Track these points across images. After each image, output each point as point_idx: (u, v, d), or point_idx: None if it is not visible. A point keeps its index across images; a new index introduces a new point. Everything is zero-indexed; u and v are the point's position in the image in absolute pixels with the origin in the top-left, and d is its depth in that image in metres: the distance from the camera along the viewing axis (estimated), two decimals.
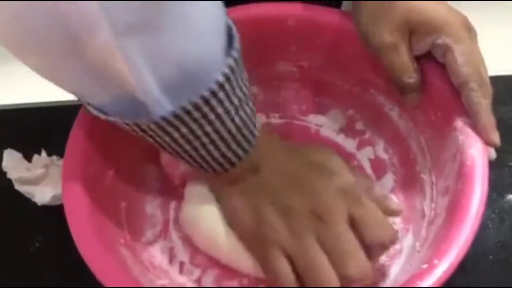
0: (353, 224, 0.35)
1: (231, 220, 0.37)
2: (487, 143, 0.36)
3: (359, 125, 0.47)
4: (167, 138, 0.32)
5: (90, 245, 0.32)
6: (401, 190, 0.43)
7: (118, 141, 0.40)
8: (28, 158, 0.45)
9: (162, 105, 0.30)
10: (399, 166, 0.44)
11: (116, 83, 0.29)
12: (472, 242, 0.32)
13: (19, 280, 0.41)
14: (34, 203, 0.44)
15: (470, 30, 0.37)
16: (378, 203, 0.36)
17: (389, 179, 0.44)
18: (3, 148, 0.45)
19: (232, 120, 0.33)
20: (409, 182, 0.43)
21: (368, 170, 0.45)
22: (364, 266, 0.34)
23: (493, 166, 0.44)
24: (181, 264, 0.40)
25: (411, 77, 0.38)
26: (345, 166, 0.37)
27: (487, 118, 0.36)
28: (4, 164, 0.44)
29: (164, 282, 0.38)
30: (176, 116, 0.31)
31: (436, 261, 0.31)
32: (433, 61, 0.39)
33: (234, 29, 0.34)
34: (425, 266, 0.31)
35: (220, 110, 0.32)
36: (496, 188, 0.44)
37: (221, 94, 0.31)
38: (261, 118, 0.48)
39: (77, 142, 0.37)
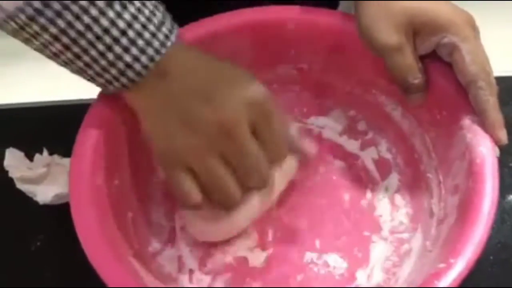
0: (256, 136, 0.35)
1: (150, 138, 0.36)
2: (496, 140, 0.36)
3: (361, 126, 0.47)
4: (48, 37, 0.31)
5: (103, 258, 0.32)
6: (407, 190, 0.43)
7: (121, 151, 0.39)
8: (30, 157, 0.44)
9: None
10: (403, 166, 0.44)
11: None
12: (487, 240, 0.32)
13: (21, 279, 0.41)
14: (36, 202, 0.44)
15: (474, 29, 0.38)
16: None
17: (394, 179, 0.44)
18: (5, 147, 0.44)
19: (118, 14, 0.31)
20: (414, 182, 0.43)
21: (373, 170, 0.45)
22: (265, 178, 0.36)
23: None
24: (190, 272, 0.40)
25: (416, 77, 0.39)
26: (258, 83, 0.36)
27: (495, 116, 0.36)
28: (6, 163, 0.44)
29: None
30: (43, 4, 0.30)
31: (452, 260, 0.31)
32: (436, 60, 0.39)
33: None
34: (442, 265, 0.31)
35: None
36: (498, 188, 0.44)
37: None
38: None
39: (82, 154, 0.36)
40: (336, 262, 0.40)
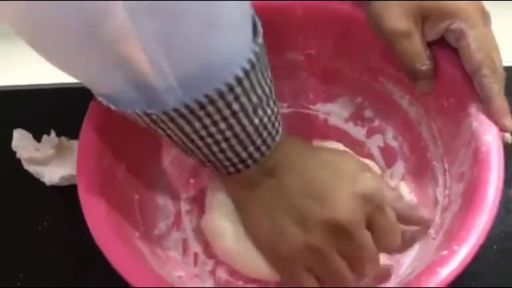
0: (370, 227, 0.35)
1: (249, 230, 0.37)
2: (501, 128, 0.36)
3: (368, 113, 0.47)
4: (178, 132, 0.31)
5: (109, 240, 0.32)
6: (412, 178, 0.43)
7: (128, 134, 0.40)
8: (38, 138, 0.45)
9: (175, 95, 0.29)
10: (409, 154, 0.44)
11: (130, 67, 0.28)
12: (490, 228, 0.32)
13: (27, 259, 0.42)
14: (43, 183, 0.44)
15: (484, 15, 0.37)
16: (405, 215, 0.36)
17: (399, 166, 0.44)
18: (13, 127, 0.45)
19: (250, 119, 0.32)
20: (420, 169, 0.43)
21: (378, 158, 0.45)
22: (378, 267, 0.35)
23: None
24: (195, 255, 0.40)
25: (424, 64, 0.38)
26: (365, 169, 0.36)
27: (500, 103, 0.36)
28: (14, 143, 0.44)
29: (181, 273, 0.38)
30: (189, 108, 0.29)
31: (456, 248, 0.31)
32: (445, 46, 0.39)
33: (259, 24, 0.33)
34: (445, 252, 0.31)
35: (236, 106, 0.30)
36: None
37: (238, 90, 0.30)
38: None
39: (89, 137, 0.36)
40: None
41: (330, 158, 0.36)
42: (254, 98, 0.31)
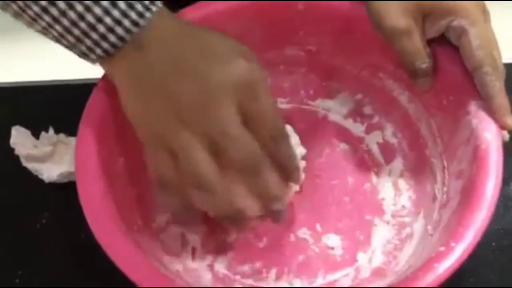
0: (245, 119, 0.32)
1: (126, 116, 0.34)
2: (501, 126, 0.36)
3: (367, 110, 0.47)
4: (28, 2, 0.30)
5: (108, 234, 0.32)
6: (411, 174, 0.43)
7: (127, 126, 0.39)
8: (36, 135, 0.45)
9: None
10: (408, 150, 0.44)
11: None
12: (488, 225, 0.32)
13: (26, 256, 0.41)
14: (42, 180, 0.44)
15: (485, 12, 0.37)
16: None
17: (398, 163, 0.44)
18: (11, 124, 0.45)
19: None
20: (419, 166, 0.43)
21: (377, 154, 0.45)
22: (248, 147, 0.32)
23: None
24: (193, 249, 0.40)
25: (423, 62, 0.38)
26: (245, 57, 0.33)
27: (501, 100, 0.36)
28: (12, 140, 0.44)
29: (179, 267, 0.38)
30: None
31: (453, 244, 0.31)
32: (444, 44, 0.39)
33: None
34: (442, 248, 0.31)
35: None
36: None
37: None
38: None
39: (88, 129, 0.36)
40: (337, 244, 0.41)
41: (206, 40, 0.33)
42: None
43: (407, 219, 0.41)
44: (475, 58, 0.37)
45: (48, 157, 0.44)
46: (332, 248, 0.40)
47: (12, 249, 0.42)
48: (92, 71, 0.40)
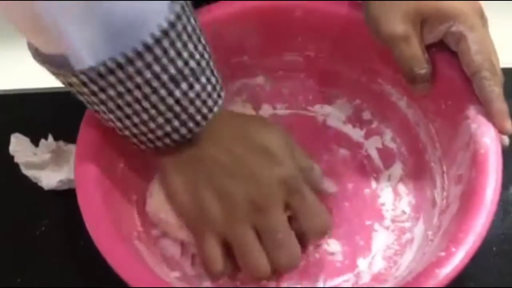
0: (291, 213, 0.35)
1: (170, 201, 0.36)
2: (500, 130, 0.36)
3: (366, 115, 0.47)
4: (95, 99, 0.31)
5: (108, 241, 0.32)
6: (410, 179, 0.43)
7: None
8: (35, 142, 0.45)
9: (82, 58, 0.29)
10: (407, 155, 0.44)
11: (43, 34, 0.29)
12: (488, 230, 0.32)
13: (25, 263, 0.41)
14: (41, 188, 0.44)
15: (482, 17, 0.38)
16: (315, 187, 0.37)
17: (397, 168, 0.44)
18: (10, 132, 0.45)
19: (170, 93, 0.31)
20: (418, 171, 0.43)
21: (377, 159, 0.45)
22: (294, 256, 0.36)
23: None
24: (193, 256, 0.40)
25: (422, 68, 0.38)
26: (290, 152, 0.36)
27: (500, 105, 0.36)
28: (11, 148, 0.44)
29: (178, 274, 0.38)
30: (97, 72, 0.29)
31: (453, 249, 0.31)
32: (443, 49, 0.39)
33: None
34: (442, 254, 0.31)
35: (148, 75, 0.30)
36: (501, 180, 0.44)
37: (148, 57, 0.30)
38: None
39: (88, 136, 0.36)
40: (337, 250, 0.40)
41: (259, 137, 0.36)
42: (172, 70, 0.31)
43: (407, 224, 0.41)
44: (473, 63, 0.37)
45: (47, 164, 0.44)
46: (332, 254, 0.40)
47: (11, 256, 0.42)
48: None
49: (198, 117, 0.33)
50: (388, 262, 0.39)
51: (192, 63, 0.32)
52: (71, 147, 0.44)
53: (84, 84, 0.30)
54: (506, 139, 0.38)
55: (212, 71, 0.34)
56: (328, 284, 0.39)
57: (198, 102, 0.33)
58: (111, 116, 0.33)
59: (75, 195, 0.34)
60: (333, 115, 0.48)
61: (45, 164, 0.44)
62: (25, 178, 0.44)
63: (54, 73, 0.32)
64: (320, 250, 0.40)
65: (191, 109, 0.33)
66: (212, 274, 0.36)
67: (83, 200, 0.33)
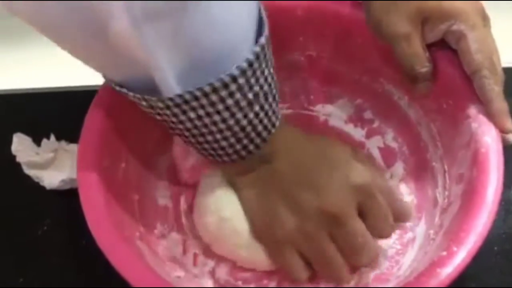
0: (363, 215, 0.36)
1: (246, 215, 0.38)
2: (501, 129, 0.36)
3: (368, 115, 0.47)
4: (174, 119, 0.33)
5: (111, 241, 0.32)
6: (412, 178, 0.43)
7: (129, 133, 0.40)
8: (37, 142, 0.45)
9: (172, 87, 0.31)
10: (409, 155, 0.44)
11: (134, 63, 0.30)
12: (489, 230, 0.32)
13: (27, 263, 0.42)
14: (43, 187, 0.44)
15: (484, 16, 0.38)
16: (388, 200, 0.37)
17: (399, 167, 0.44)
18: (12, 132, 0.45)
19: (245, 115, 0.33)
20: (419, 170, 0.43)
21: (378, 159, 0.45)
22: (374, 252, 0.36)
23: None
24: (195, 255, 0.40)
25: (423, 66, 0.38)
26: (359, 161, 0.37)
27: (500, 104, 0.36)
28: (13, 147, 0.44)
29: (180, 274, 0.38)
30: (183, 99, 0.31)
31: (455, 248, 0.31)
32: (444, 48, 0.39)
33: (265, 21, 0.34)
34: (444, 253, 0.31)
35: (230, 101, 0.32)
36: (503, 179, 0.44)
37: (233, 87, 0.31)
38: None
39: (90, 136, 0.36)
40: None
41: (324, 148, 0.37)
42: (250, 95, 0.32)
43: (409, 224, 0.41)
44: (473, 62, 0.37)
45: (50, 164, 0.44)
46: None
47: (13, 255, 0.42)
48: (93, 78, 0.40)
49: (265, 133, 0.35)
50: (390, 261, 0.39)
51: (266, 87, 0.34)
52: (73, 147, 0.45)
53: (168, 107, 0.32)
54: (510, 137, 0.38)
55: (274, 96, 0.35)
56: (330, 284, 0.39)
57: (265, 120, 0.34)
58: (186, 133, 0.34)
59: (77, 194, 0.34)
60: (335, 114, 0.48)
61: (47, 164, 0.44)
62: (27, 177, 0.44)
63: (135, 97, 0.33)
64: None
65: (259, 127, 0.34)
66: (298, 280, 0.37)
67: (86, 199, 0.34)
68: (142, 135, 0.41)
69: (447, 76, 0.39)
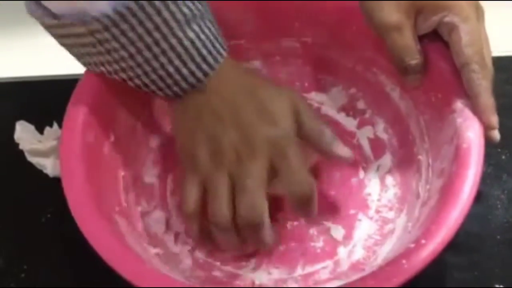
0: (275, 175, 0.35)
1: (175, 136, 0.38)
2: (485, 125, 0.36)
3: (360, 104, 0.47)
4: (116, 45, 0.34)
5: (84, 211, 0.33)
6: (398, 171, 0.43)
7: (118, 110, 0.40)
8: (40, 130, 0.45)
9: (98, 6, 0.32)
10: (398, 147, 0.44)
11: None
12: (461, 225, 0.32)
13: (31, 250, 0.42)
14: (46, 175, 0.44)
15: (478, 9, 0.37)
16: (326, 151, 0.37)
17: (387, 159, 0.44)
18: (15, 119, 0.45)
19: (185, 33, 0.34)
20: (406, 163, 0.42)
21: (367, 149, 0.45)
22: (256, 209, 0.34)
23: (504, 146, 0.44)
24: (177, 234, 0.41)
25: (413, 58, 0.38)
26: (291, 115, 0.36)
27: (487, 100, 0.36)
28: (16, 135, 0.45)
29: (159, 251, 0.39)
30: (111, 20, 0.32)
31: (423, 241, 0.31)
32: (435, 41, 0.39)
33: None
34: (412, 245, 0.31)
35: (166, 14, 0.33)
36: (506, 168, 0.44)
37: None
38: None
39: (76, 110, 0.37)
40: (318, 237, 0.41)
41: (264, 97, 0.36)
42: (185, 9, 0.34)
43: (390, 215, 0.41)
44: (463, 55, 0.36)
45: (53, 151, 0.44)
46: (314, 240, 0.41)
47: (17, 243, 0.42)
48: None
49: (204, 66, 0.35)
50: (368, 251, 0.40)
51: (200, 7, 0.35)
52: None
53: (99, 31, 0.33)
54: (496, 134, 0.37)
55: (212, 22, 0.36)
56: (306, 270, 0.39)
57: (209, 45, 0.35)
58: (123, 65, 0.35)
59: None
60: (328, 103, 0.47)
61: (50, 152, 0.44)
62: (30, 165, 0.44)
63: (65, 34, 0.34)
64: (302, 236, 0.41)
65: (198, 59, 0.35)
66: (183, 212, 0.36)
67: (65, 172, 0.34)
68: (132, 112, 0.42)
69: (437, 69, 0.39)
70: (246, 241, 0.36)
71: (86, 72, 0.39)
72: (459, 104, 0.37)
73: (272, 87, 0.38)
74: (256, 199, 0.34)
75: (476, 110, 0.36)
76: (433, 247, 0.31)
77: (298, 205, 0.35)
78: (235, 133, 0.35)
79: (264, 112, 0.36)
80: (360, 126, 0.46)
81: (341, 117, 0.47)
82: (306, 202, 0.35)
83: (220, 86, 0.36)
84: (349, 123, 0.46)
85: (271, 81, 0.39)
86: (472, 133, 0.35)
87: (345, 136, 0.45)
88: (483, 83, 0.36)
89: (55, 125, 0.45)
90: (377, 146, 0.45)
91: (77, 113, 0.37)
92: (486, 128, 0.36)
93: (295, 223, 0.41)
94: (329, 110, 0.47)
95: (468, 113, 0.36)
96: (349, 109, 0.47)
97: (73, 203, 0.33)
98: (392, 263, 0.31)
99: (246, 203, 0.34)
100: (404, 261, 0.30)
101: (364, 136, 0.46)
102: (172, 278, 0.33)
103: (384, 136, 0.45)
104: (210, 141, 0.35)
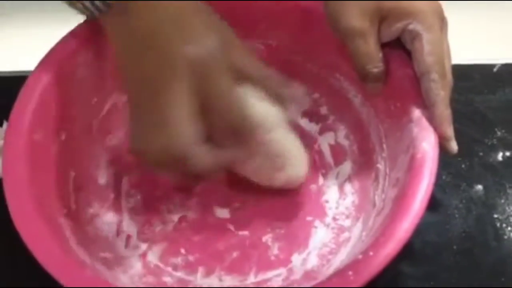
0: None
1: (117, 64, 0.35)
2: (441, 135, 0.35)
3: (323, 110, 0.46)
4: None
5: (24, 214, 0.32)
6: (357, 179, 0.43)
7: (71, 108, 0.39)
8: None
9: None
10: (358, 154, 0.43)
11: None
12: (410, 237, 0.31)
13: None
14: None
15: (442, 19, 0.37)
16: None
17: (347, 166, 0.43)
18: None
19: None
20: (365, 171, 0.42)
21: (328, 156, 0.44)
22: (179, 138, 0.33)
23: (464, 155, 0.44)
24: (128, 237, 0.40)
25: (375, 66, 0.38)
26: (220, 40, 0.34)
27: (443, 110, 0.35)
28: None
29: (106, 254, 0.38)
30: None
31: (371, 253, 0.30)
32: (397, 49, 0.38)
33: None
34: (360, 256, 0.31)
35: None
36: (465, 178, 0.44)
37: None
38: None
39: (23, 108, 0.36)
40: (274, 243, 0.40)
41: (182, 16, 0.34)
42: None
43: (347, 224, 0.41)
44: (424, 64, 0.36)
45: (1, 152, 0.42)
46: (269, 247, 0.40)
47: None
48: None
49: None
50: (322, 260, 0.39)
51: None
52: None
53: None
54: (453, 145, 0.37)
55: None
56: (259, 278, 0.38)
57: None
58: None
59: None
60: (291, 108, 0.47)
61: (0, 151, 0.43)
62: None
63: None
64: (257, 243, 0.40)
65: None
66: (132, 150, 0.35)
67: (7, 174, 0.33)
68: (88, 110, 0.41)
69: (398, 78, 0.38)
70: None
71: (36, 68, 0.37)
72: (416, 114, 0.36)
73: (206, 19, 0.35)
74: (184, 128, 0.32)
75: (432, 120, 0.36)
76: (380, 260, 0.30)
77: (226, 139, 0.34)
78: (154, 58, 0.33)
79: (184, 30, 0.33)
80: (322, 131, 0.45)
81: (304, 122, 0.46)
82: (235, 136, 0.34)
83: (142, 7, 0.33)
84: (312, 128, 0.46)
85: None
86: (427, 144, 0.35)
87: (307, 142, 0.45)
88: (441, 93, 0.35)
89: (5, 125, 0.44)
90: (338, 152, 0.44)
91: (23, 111, 0.36)
92: (442, 139, 0.35)
93: (251, 229, 0.40)
94: (293, 114, 0.46)
95: (424, 123, 0.36)
96: (312, 114, 0.46)
97: (13, 205, 0.32)
98: (339, 274, 0.30)
99: (168, 133, 0.33)
100: (350, 273, 0.30)
101: (325, 142, 0.45)
102: (110, 284, 0.32)
103: (345, 142, 0.44)
104: (134, 66, 0.33)
